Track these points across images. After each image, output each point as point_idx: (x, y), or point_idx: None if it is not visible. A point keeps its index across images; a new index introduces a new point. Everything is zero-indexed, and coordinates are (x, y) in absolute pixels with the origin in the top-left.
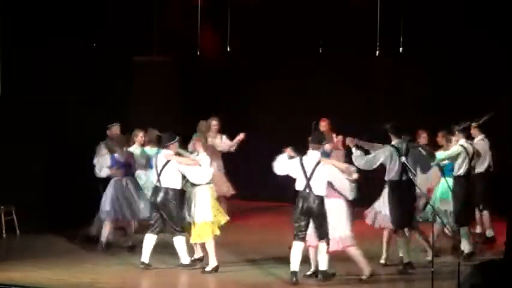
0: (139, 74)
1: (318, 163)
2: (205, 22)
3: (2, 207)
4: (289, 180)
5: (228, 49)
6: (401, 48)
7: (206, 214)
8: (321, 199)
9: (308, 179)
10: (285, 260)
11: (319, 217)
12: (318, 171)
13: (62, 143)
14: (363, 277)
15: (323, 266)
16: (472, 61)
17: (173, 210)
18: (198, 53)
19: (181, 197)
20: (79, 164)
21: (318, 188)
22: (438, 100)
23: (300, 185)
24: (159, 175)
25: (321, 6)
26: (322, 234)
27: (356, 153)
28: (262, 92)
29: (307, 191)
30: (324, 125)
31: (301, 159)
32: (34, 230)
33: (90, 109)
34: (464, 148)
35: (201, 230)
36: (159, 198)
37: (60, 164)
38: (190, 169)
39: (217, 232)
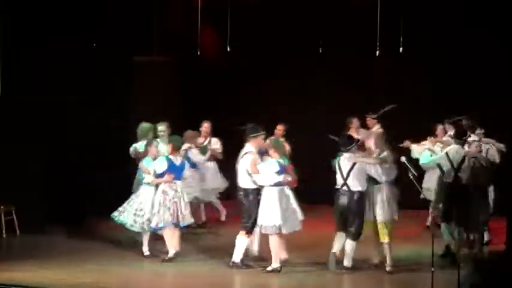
0: (139, 74)
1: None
2: (205, 22)
3: (2, 207)
4: None
5: (228, 49)
6: (401, 48)
7: (386, 214)
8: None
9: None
10: None
11: None
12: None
13: (62, 143)
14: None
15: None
16: (472, 61)
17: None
18: (198, 53)
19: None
20: (79, 164)
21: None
22: (438, 100)
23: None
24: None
25: (321, 6)
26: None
27: None
28: (262, 92)
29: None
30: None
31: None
32: (34, 230)
33: (90, 109)
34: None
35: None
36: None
37: (60, 164)
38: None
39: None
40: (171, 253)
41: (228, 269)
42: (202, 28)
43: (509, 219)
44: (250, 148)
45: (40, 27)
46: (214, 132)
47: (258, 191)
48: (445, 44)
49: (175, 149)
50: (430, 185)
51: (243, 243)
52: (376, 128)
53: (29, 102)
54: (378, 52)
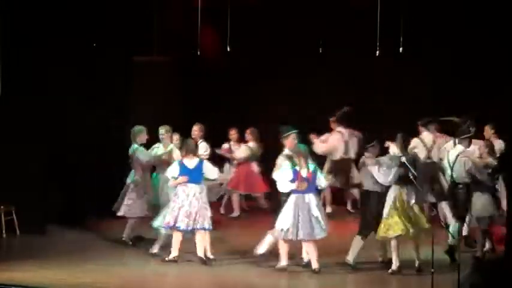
0: (139, 74)
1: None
2: (205, 22)
3: (2, 207)
4: None
5: (228, 49)
6: (401, 48)
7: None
8: None
9: None
10: None
11: None
12: None
13: (62, 143)
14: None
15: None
16: (472, 61)
17: None
18: (198, 53)
19: None
20: (79, 164)
21: None
22: (438, 100)
23: None
24: None
25: (321, 6)
26: None
27: None
28: (262, 92)
29: None
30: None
31: None
32: (34, 230)
33: (90, 109)
34: None
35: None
36: None
37: (60, 164)
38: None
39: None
40: (172, 255)
41: (229, 269)
42: (202, 28)
43: (509, 219)
44: (285, 151)
45: (40, 27)
46: (213, 132)
47: (288, 195)
48: (445, 44)
49: (188, 152)
50: None
51: (269, 239)
52: (338, 130)
53: (29, 102)
54: (378, 52)
